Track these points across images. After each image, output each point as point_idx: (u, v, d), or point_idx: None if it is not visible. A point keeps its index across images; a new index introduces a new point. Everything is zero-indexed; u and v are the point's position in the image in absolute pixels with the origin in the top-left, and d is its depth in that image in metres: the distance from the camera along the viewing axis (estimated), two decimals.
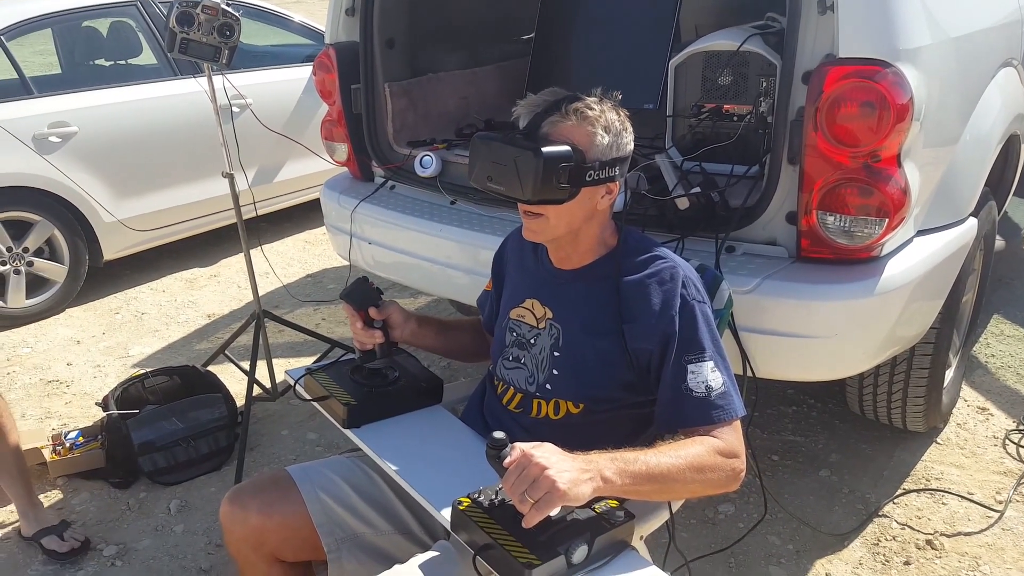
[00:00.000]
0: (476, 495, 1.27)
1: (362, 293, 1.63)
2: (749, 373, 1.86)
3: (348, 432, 1.57)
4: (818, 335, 1.85)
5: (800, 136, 1.79)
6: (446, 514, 1.30)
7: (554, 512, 1.19)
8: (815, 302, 1.84)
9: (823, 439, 2.68)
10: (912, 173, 1.81)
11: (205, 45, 2.40)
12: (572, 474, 1.17)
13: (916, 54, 1.76)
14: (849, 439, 2.67)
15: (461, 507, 1.26)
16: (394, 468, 1.44)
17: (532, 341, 1.55)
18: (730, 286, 1.69)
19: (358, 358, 1.67)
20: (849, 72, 1.70)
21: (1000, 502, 2.35)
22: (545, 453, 1.18)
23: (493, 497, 1.27)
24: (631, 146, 1.50)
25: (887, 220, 1.77)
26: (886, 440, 2.64)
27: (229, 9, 2.39)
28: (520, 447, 1.18)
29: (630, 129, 1.49)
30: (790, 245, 1.93)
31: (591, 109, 1.43)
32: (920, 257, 1.95)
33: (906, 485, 2.44)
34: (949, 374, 2.60)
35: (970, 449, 2.61)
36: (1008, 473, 2.48)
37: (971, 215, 2.22)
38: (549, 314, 1.54)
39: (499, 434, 1.20)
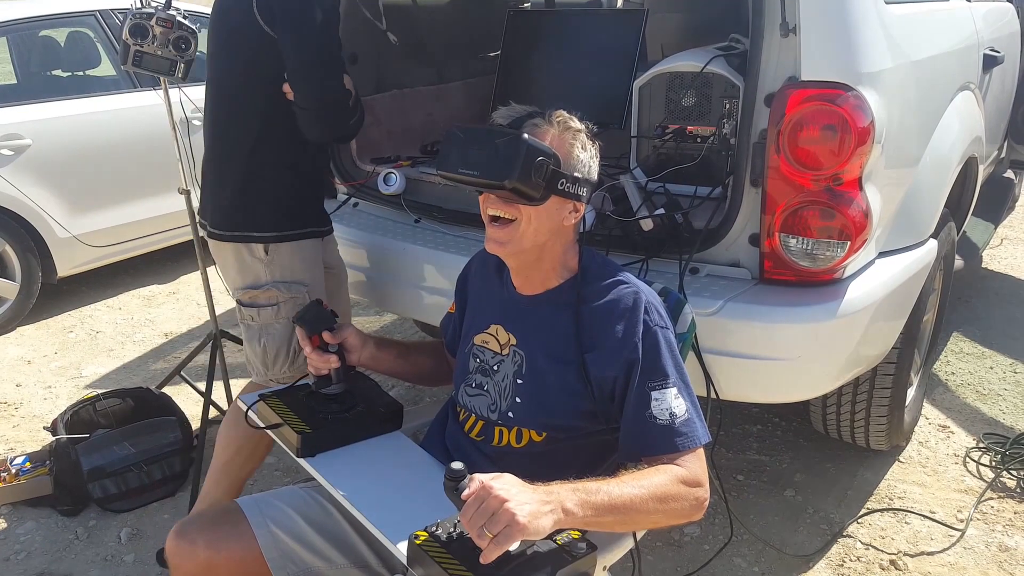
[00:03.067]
0: (434, 528, 1.23)
1: (315, 316, 1.58)
2: (713, 395, 1.85)
3: (301, 461, 1.51)
4: (781, 357, 1.84)
5: (763, 158, 1.79)
6: (403, 548, 1.25)
7: (513, 546, 1.15)
8: (778, 324, 1.83)
9: (788, 458, 2.68)
10: (873, 196, 1.82)
11: (160, 58, 2.33)
12: (532, 506, 1.13)
13: (877, 77, 1.78)
14: (813, 458, 2.67)
15: (418, 541, 1.21)
16: (349, 499, 1.39)
17: (495, 368, 1.52)
18: (693, 309, 1.68)
19: (313, 384, 1.62)
20: (811, 95, 1.71)
21: (961, 520, 2.36)
22: (505, 485, 1.14)
23: (451, 530, 1.22)
24: (596, 175, 1.50)
25: (849, 243, 1.77)
26: (850, 459, 2.64)
27: (185, 22, 2.33)
28: (479, 479, 1.15)
29: (598, 159, 1.51)
30: (753, 267, 1.92)
31: (573, 122, 1.45)
32: (882, 279, 1.96)
33: (870, 504, 2.45)
34: (911, 393, 2.61)
35: (932, 467, 2.63)
36: (969, 491, 2.50)
37: (931, 236, 2.24)
38: (513, 340, 1.51)
39: (457, 465, 1.16)
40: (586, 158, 1.46)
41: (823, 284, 1.87)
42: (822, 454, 2.68)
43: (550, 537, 1.21)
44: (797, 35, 1.70)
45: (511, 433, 1.49)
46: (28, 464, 2.58)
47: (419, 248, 2.27)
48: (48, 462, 2.57)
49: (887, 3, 1.91)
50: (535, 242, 1.44)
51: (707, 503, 1.38)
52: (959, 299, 3.80)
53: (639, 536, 1.47)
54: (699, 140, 2.03)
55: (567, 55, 2.58)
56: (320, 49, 1.89)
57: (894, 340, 2.18)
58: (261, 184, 2.00)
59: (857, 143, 1.70)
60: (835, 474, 2.59)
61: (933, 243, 2.23)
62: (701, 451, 1.40)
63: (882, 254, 2.02)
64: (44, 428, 2.81)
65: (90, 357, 3.59)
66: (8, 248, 3.77)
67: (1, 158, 3.70)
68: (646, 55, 2.59)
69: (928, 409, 2.94)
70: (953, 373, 3.21)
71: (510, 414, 1.48)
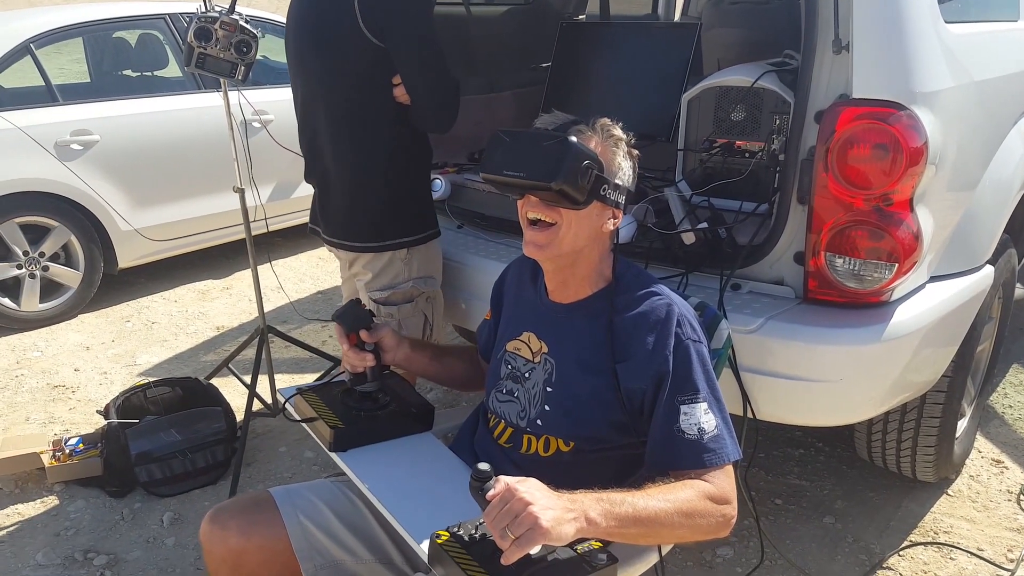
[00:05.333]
0: (456, 528, 1.24)
1: (353, 315, 1.61)
2: (749, 415, 1.82)
3: (333, 455, 1.54)
4: (822, 379, 1.80)
5: (810, 175, 1.76)
6: (425, 547, 1.27)
7: (534, 550, 1.15)
8: (820, 345, 1.79)
9: (829, 484, 2.61)
10: (925, 218, 1.77)
11: (222, 61, 2.41)
12: (556, 512, 1.13)
13: (933, 97, 1.73)
14: (856, 486, 2.60)
15: (439, 540, 1.22)
16: (376, 495, 1.41)
17: (526, 375, 1.52)
18: (730, 325, 1.65)
19: (348, 380, 1.64)
20: (862, 113, 1.67)
21: (1012, 560, 2.27)
22: (529, 488, 1.14)
23: (473, 532, 1.23)
24: (634, 184, 1.51)
25: (897, 265, 1.73)
26: (894, 489, 2.57)
27: (247, 26, 2.41)
28: (504, 480, 1.15)
29: (637, 169, 1.51)
30: (797, 286, 1.89)
31: (616, 131, 1.46)
32: (932, 304, 1.90)
33: (913, 537, 2.37)
34: (962, 424, 2.53)
35: (982, 503, 2.53)
36: (1021, 530, 2.40)
37: (988, 262, 2.16)
38: (545, 348, 1.51)
39: (484, 466, 1.17)
40: (627, 167, 1.47)
41: (869, 306, 1.83)
42: (866, 482, 2.61)
43: (571, 546, 1.21)
44: (850, 52, 1.67)
45: (539, 442, 1.49)
46: (81, 445, 2.68)
47: (461, 254, 2.29)
48: (100, 445, 2.67)
49: (947, 22, 1.86)
50: (573, 247, 1.44)
51: (734, 521, 1.35)
52: (1021, 329, 3.66)
53: (664, 551, 1.46)
54: (747, 155, 2.00)
55: (618, 68, 2.58)
56: (431, 49, 1.95)
57: (944, 368, 2.11)
58: (402, 194, 2.09)
59: (909, 163, 1.66)
60: (878, 503, 2.51)
61: (990, 269, 2.15)
62: (730, 468, 1.38)
63: (934, 278, 1.97)
64: (97, 412, 2.91)
65: (145, 346, 3.71)
66: (73, 239, 3.92)
67: (71, 152, 3.86)
68: (701, 69, 2.58)
69: (981, 442, 2.83)
70: (1010, 406, 3.09)
71: (539, 422, 1.48)
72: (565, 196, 1.38)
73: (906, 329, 1.82)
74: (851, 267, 1.78)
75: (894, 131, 1.65)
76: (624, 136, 1.48)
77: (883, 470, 2.55)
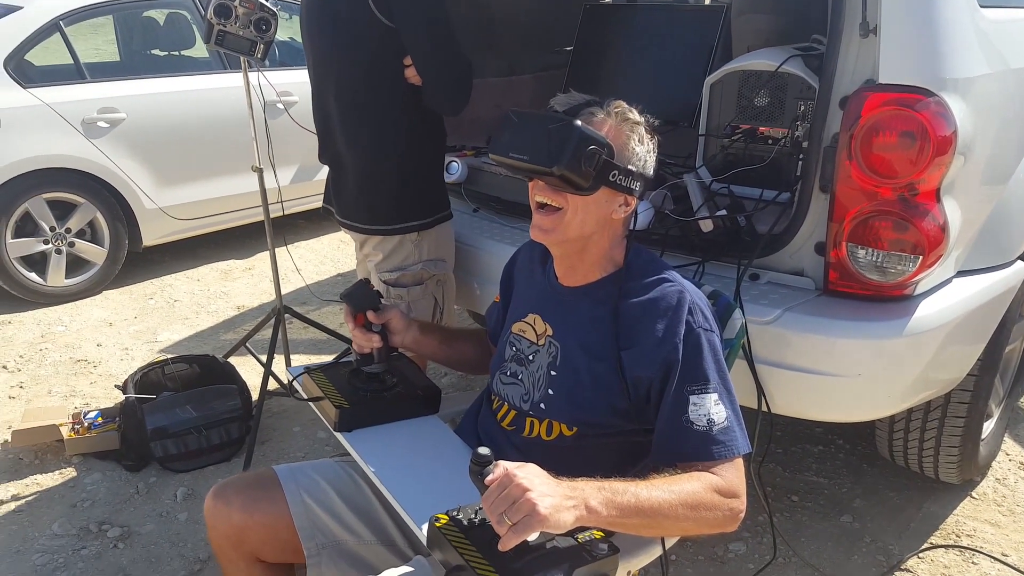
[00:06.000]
0: (455, 512, 1.22)
1: (361, 295, 1.60)
2: (764, 408, 1.78)
3: (338, 435, 1.53)
4: (841, 374, 1.75)
5: (834, 163, 1.71)
6: (424, 529, 1.25)
7: (532, 537, 1.13)
8: (840, 339, 1.74)
9: (848, 483, 2.56)
10: (953, 210, 1.71)
11: (241, 38, 2.41)
12: (555, 499, 1.11)
13: (965, 84, 1.67)
14: (876, 485, 2.54)
15: (438, 524, 1.21)
16: (379, 476, 1.40)
17: (530, 357, 1.50)
18: (744, 315, 1.61)
19: (355, 361, 1.63)
20: (889, 99, 1.62)
21: None
22: (528, 474, 1.12)
23: (472, 516, 1.22)
24: (652, 171, 1.46)
25: (922, 258, 1.67)
26: (916, 489, 2.51)
27: (267, 4, 2.40)
28: (503, 465, 1.13)
29: (655, 155, 1.47)
30: (817, 277, 1.84)
31: (632, 114, 1.42)
32: (958, 299, 1.84)
33: (934, 539, 2.31)
34: (989, 425, 2.46)
35: (1008, 507, 2.46)
36: None
37: (1020, 258, 2.09)
38: (549, 331, 1.48)
39: (484, 450, 1.15)
40: (642, 152, 1.42)
41: (892, 300, 1.78)
42: (886, 482, 2.55)
43: (571, 535, 1.19)
44: (877, 36, 1.61)
45: (542, 425, 1.46)
46: (100, 419, 2.71)
47: (476, 237, 2.27)
48: (117, 419, 2.70)
49: (983, 7, 1.79)
50: (580, 233, 1.41)
51: (742, 515, 1.32)
52: None
53: (668, 544, 1.43)
54: (770, 142, 1.95)
55: (641, 51, 2.53)
56: (442, 29, 1.94)
57: (970, 366, 2.04)
58: (413, 177, 2.08)
59: (936, 152, 1.60)
60: (898, 504, 2.45)
61: (1021, 265, 2.08)
62: (739, 461, 1.35)
63: (961, 273, 1.90)
64: (116, 387, 2.94)
65: (166, 323, 3.74)
66: (99, 216, 3.97)
67: (98, 130, 3.89)
68: (730, 55, 2.52)
69: (1010, 445, 2.75)
70: None
71: (542, 405, 1.46)
72: (568, 181, 1.35)
73: (930, 324, 1.76)
74: (874, 259, 1.73)
75: (922, 118, 1.59)
76: (641, 120, 1.43)
77: (904, 470, 2.50)
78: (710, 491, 1.28)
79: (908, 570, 2.20)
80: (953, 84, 1.64)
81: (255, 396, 2.79)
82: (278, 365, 2.87)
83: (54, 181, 3.82)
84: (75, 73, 3.96)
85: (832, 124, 1.71)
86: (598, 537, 1.21)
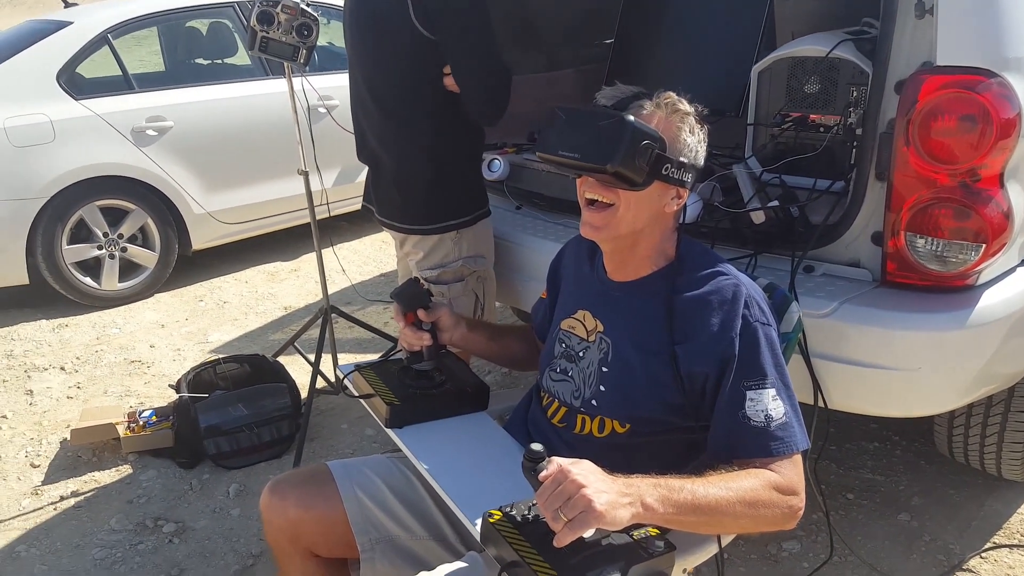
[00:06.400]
0: (509, 508, 1.22)
1: (411, 294, 1.60)
2: (820, 403, 1.73)
3: (389, 431, 1.54)
4: (900, 367, 1.70)
5: (890, 150, 1.66)
6: (478, 525, 1.24)
7: (588, 534, 1.12)
8: (899, 331, 1.69)
9: (905, 480, 2.49)
10: (1017, 195, 1.65)
11: (284, 44, 2.44)
12: (610, 496, 1.10)
13: None
14: (935, 483, 2.47)
15: (492, 520, 1.20)
16: (431, 472, 1.40)
17: (581, 354, 1.48)
18: (801, 308, 1.57)
19: (405, 359, 1.64)
20: (948, 82, 1.56)
21: None
22: (583, 471, 1.11)
23: (526, 512, 1.21)
24: (703, 159, 1.43)
25: (985, 246, 1.61)
26: (977, 487, 2.43)
27: (308, 9, 2.43)
28: (558, 462, 1.12)
29: (705, 144, 1.44)
30: (875, 268, 1.79)
31: (682, 104, 1.39)
32: (1022, 288, 1.77)
33: (997, 539, 2.23)
34: None
35: None
36: None
37: None
38: (600, 327, 1.47)
39: (537, 446, 1.13)
40: (693, 142, 1.39)
41: (953, 290, 1.72)
42: (945, 479, 2.47)
43: (627, 532, 1.17)
44: (934, 16, 1.56)
45: (593, 422, 1.44)
46: (154, 418, 2.78)
47: (519, 234, 2.26)
48: (171, 417, 2.76)
49: None
50: (633, 228, 1.39)
51: (801, 512, 1.29)
52: None
53: (725, 541, 1.40)
54: (821, 129, 1.90)
55: (684, 40, 2.49)
56: (482, 41, 1.94)
57: None
58: (451, 177, 2.09)
59: (999, 136, 1.54)
60: (959, 502, 2.38)
61: None
62: (798, 457, 1.32)
63: None
64: (170, 386, 3.00)
65: (216, 325, 3.81)
66: (150, 221, 4.06)
67: (147, 138, 3.98)
68: (774, 42, 2.47)
69: None
70: None
71: (593, 402, 1.44)
72: (622, 178, 1.32)
73: (993, 315, 1.70)
74: (934, 248, 1.67)
75: (983, 100, 1.54)
76: (691, 110, 1.41)
77: (964, 467, 2.42)
78: (768, 488, 1.25)
79: (971, 570, 2.13)
80: (1016, 63, 1.58)
81: (304, 394, 2.82)
82: (325, 364, 2.90)
83: (106, 189, 3.92)
84: (123, 84, 4.06)
85: (888, 110, 1.66)
86: (654, 534, 1.19)
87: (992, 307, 1.70)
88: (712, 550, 1.39)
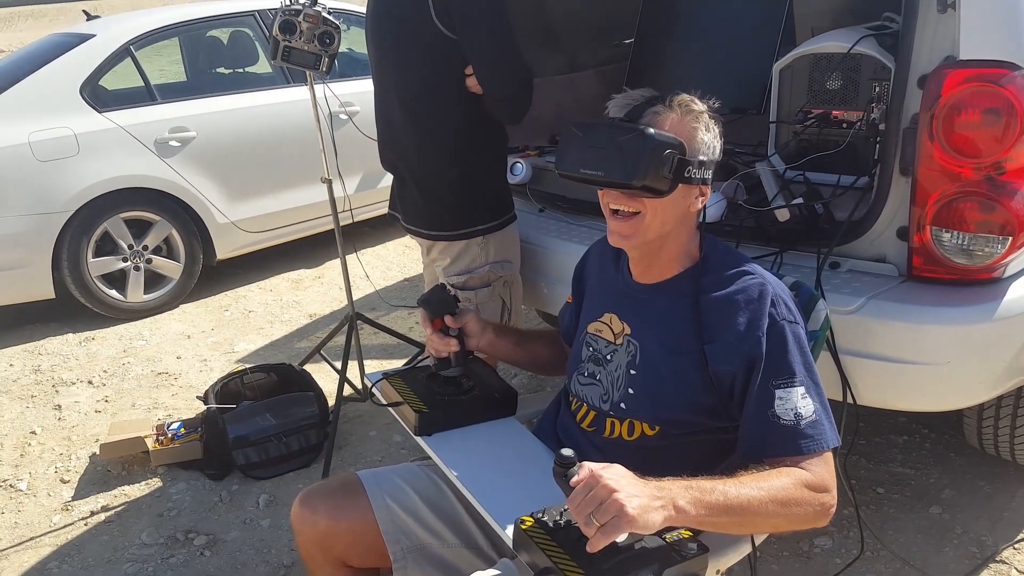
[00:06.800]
0: (540, 514, 1.22)
1: (438, 300, 1.61)
2: (849, 400, 1.73)
3: (418, 439, 1.55)
4: (929, 362, 1.70)
5: (914, 145, 1.65)
6: (510, 532, 1.25)
7: (621, 538, 1.12)
8: (927, 325, 1.69)
9: (936, 473, 2.47)
10: None
11: (306, 53, 2.46)
12: (642, 500, 1.10)
13: None
14: (965, 475, 2.45)
15: (524, 526, 1.21)
16: (461, 480, 1.41)
17: (608, 357, 1.49)
18: (828, 305, 1.57)
19: (433, 366, 1.65)
20: (971, 75, 1.55)
21: None
22: (615, 475, 1.11)
23: (558, 518, 1.21)
24: (720, 153, 1.44)
25: (1011, 239, 1.61)
26: (1008, 478, 2.40)
27: (330, 17, 2.44)
28: (589, 467, 1.12)
29: (722, 138, 1.44)
30: (901, 263, 1.78)
31: (696, 104, 1.39)
32: None
33: None
34: None
35: None
36: None
37: None
38: (627, 330, 1.47)
39: (567, 451, 1.14)
40: (710, 139, 1.40)
41: (980, 284, 1.71)
42: (976, 471, 2.45)
43: (659, 535, 1.18)
44: (956, 10, 1.55)
45: (623, 425, 1.45)
46: (183, 430, 2.80)
47: (543, 237, 2.27)
48: (200, 429, 2.78)
49: None
50: (660, 232, 1.39)
51: (833, 510, 1.29)
52: None
53: (758, 541, 1.40)
54: (844, 126, 1.90)
55: (704, 39, 2.49)
56: (504, 40, 1.94)
57: None
58: (476, 182, 2.10)
59: None
60: (990, 493, 2.36)
61: None
62: (829, 455, 1.31)
63: None
64: (197, 397, 3.03)
65: (242, 334, 3.85)
66: (174, 232, 4.10)
67: (170, 149, 4.03)
68: (794, 38, 2.46)
69: None
70: None
71: (622, 405, 1.44)
72: (649, 190, 1.33)
73: (1021, 307, 1.69)
74: (960, 242, 1.67)
75: (1007, 93, 1.53)
76: (704, 108, 1.41)
77: (995, 458, 2.40)
78: (800, 486, 1.25)
79: (1004, 561, 2.11)
80: None
81: (331, 402, 2.84)
82: (352, 371, 2.92)
83: (130, 201, 3.96)
84: (146, 95, 4.11)
85: (911, 104, 1.65)
86: (686, 536, 1.20)
87: (1020, 299, 1.70)
88: (745, 550, 1.40)
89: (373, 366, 3.27)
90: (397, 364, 3.30)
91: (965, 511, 2.29)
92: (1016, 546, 2.16)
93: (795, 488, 1.24)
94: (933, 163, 1.64)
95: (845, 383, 1.73)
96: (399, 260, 4.69)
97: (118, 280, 4.03)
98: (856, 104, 1.90)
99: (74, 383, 3.43)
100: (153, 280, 4.12)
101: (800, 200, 1.83)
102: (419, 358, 3.17)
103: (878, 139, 1.78)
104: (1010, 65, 1.54)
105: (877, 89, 1.84)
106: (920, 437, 2.65)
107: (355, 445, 2.82)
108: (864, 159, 1.85)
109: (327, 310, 4.07)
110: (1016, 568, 2.09)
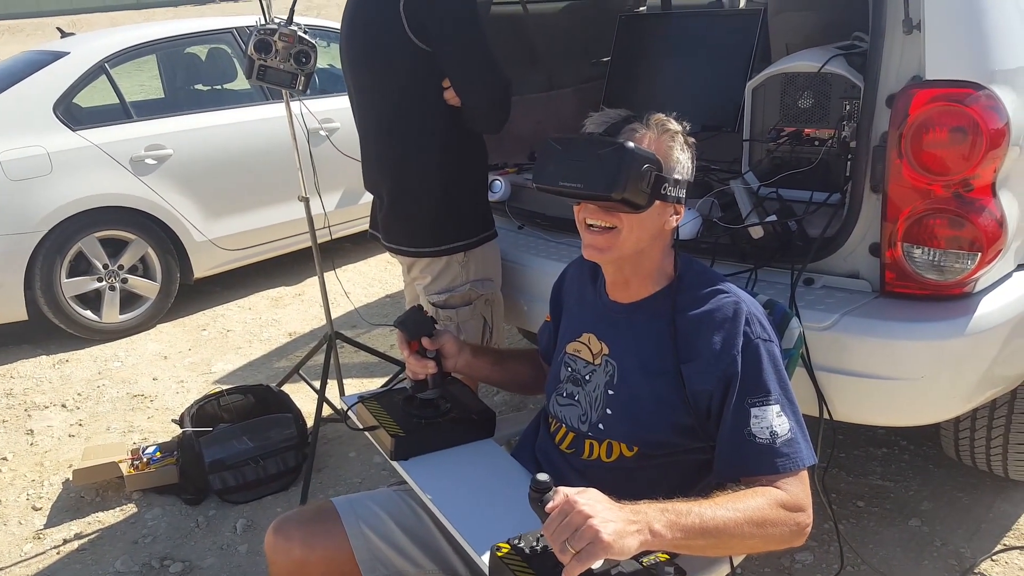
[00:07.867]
0: (517, 540, 1.21)
1: (415, 322, 1.60)
2: (825, 416, 1.74)
3: (395, 464, 1.53)
4: (903, 377, 1.71)
5: (884, 163, 1.67)
6: (486, 559, 1.24)
7: (596, 564, 1.12)
8: (900, 341, 1.70)
9: (915, 485, 2.49)
10: (1009, 203, 1.66)
11: (282, 72, 2.44)
12: (618, 525, 1.09)
13: (1014, 75, 1.62)
14: (944, 486, 2.47)
15: (499, 553, 1.20)
16: (437, 505, 1.40)
17: (587, 378, 1.48)
18: (801, 323, 1.58)
19: (410, 387, 1.64)
20: (937, 95, 1.58)
21: None
22: (590, 500, 1.11)
23: (535, 544, 1.21)
24: (693, 174, 1.46)
25: (980, 254, 1.63)
26: (985, 489, 2.43)
27: (306, 36, 2.43)
28: (564, 492, 1.12)
29: (695, 159, 1.46)
30: (873, 279, 1.80)
31: (671, 124, 1.42)
32: (1020, 293, 1.78)
33: (1007, 540, 2.24)
34: None
35: None
36: None
37: None
38: (605, 350, 1.47)
39: (543, 476, 1.13)
40: (685, 159, 1.42)
41: (951, 298, 1.73)
42: (954, 482, 2.47)
43: (636, 559, 1.17)
44: (921, 31, 1.58)
45: (601, 447, 1.45)
46: (158, 454, 2.75)
47: (522, 255, 2.27)
48: (175, 453, 2.74)
49: None
50: (636, 248, 1.40)
51: (809, 529, 1.29)
52: None
53: (736, 562, 1.40)
54: (816, 143, 1.92)
55: (679, 58, 2.52)
56: (480, 50, 1.94)
57: None
58: (457, 197, 2.09)
59: (989, 146, 1.56)
60: (968, 504, 2.38)
61: None
62: (804, 474, 1.32)
63: (1021, 267, 1.85)
64: (173, 421, 2.99)
65: (220, 354, 3.81)
66: (150, 251, 4.06)
67: (146, 167, 4.00)
68: (769, 56, 2.49)
69: None
70: None
71: (600, 426, 1.44)
72: (627, 203, 1.34)
73: (992, 321, 1.71)
74: (930, 257, 1.68)
75: (972, 112, 1.55)
76: (679, 128, 1.43)
77: (972, 469, 2.42)
78: (775, 506, 1.25)
79: (982, 573, 2.13)
80: (1003, 76, 1.59)
81: (310, 423, 2.82)
82: (331, 391, 2.90)
83: (105, 219, 3.91)
84: (121, 113, 4.07)
85: (880, 123, 1.67)
86: (663, 560, 1.19)
87: (991, 313, 1.71)
88: (724, 571, 1.39)
89: (353, 385, 3.25)
90: (377, 383, 3.28)
91: (944, 523, 2.31)
92: (994, 557, 2.18)
93: (770, 508, 1.24)
94: (903, 180, 1.66)
95: (821, 399, 1.74)
96: (381, 276, 4.67)
97: (93, 300, 3.98)
98: (828, 122, 1.92)
99: (47, 407, 3.37)
100: (129, 300, 4.07)
101: (774, 217, 1.84)
102: (399, 379, 3.15)
103: (849, 156, 1.80)
104: (975, 85, 1.57)
105: (848, 107, 1.86)
106: (899, 449, 2.67)
107: (334, 467, 2.79)
108: (836, 176, 1.86)
109: (307, 328, 4.04)
110: None
